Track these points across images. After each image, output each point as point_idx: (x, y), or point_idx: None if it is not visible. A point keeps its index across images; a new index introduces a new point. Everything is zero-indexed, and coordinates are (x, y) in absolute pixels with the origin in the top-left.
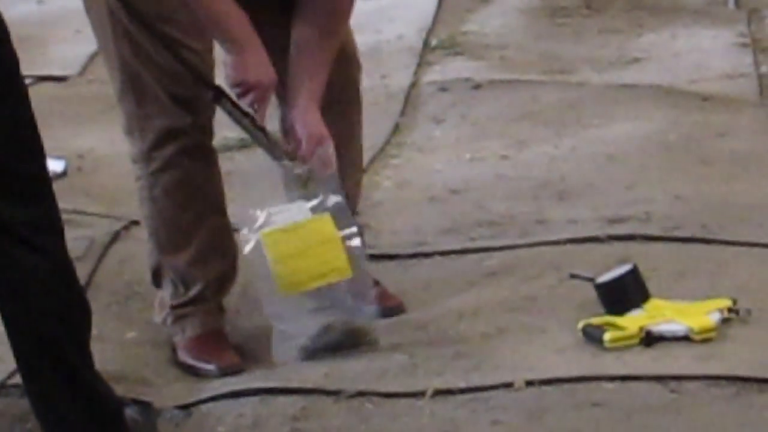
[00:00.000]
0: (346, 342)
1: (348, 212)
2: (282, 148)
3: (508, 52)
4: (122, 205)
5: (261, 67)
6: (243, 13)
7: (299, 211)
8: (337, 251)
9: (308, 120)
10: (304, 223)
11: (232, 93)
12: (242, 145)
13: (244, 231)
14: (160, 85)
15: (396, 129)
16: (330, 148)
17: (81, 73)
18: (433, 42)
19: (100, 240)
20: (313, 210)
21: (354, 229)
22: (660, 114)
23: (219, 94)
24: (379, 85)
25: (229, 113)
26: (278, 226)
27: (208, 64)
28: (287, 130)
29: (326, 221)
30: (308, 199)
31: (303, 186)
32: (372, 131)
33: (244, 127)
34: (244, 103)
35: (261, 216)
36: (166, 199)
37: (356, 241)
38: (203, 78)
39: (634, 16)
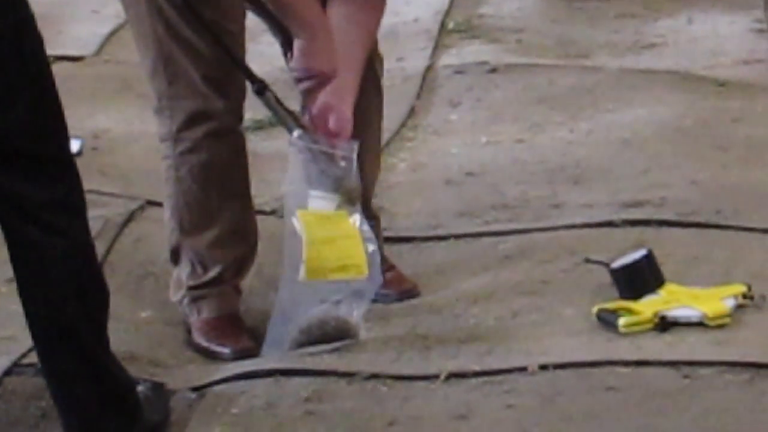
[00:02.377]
0: (334, 337)
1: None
2: (321, 147)
3: (524, 36)
4: (137, 185)
5: (327, 55)
6: (316, 1)
7: (330, 202)
8: (358, 248)
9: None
10: (333, 214)
11: (291, 74)
12: (258, 127)
13: (292, 203)
14: (193, 66)
15: (412, 112)
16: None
17: (97, 53)
18: (450, 25)
19: (115, 220)
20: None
21: (371, 236)
22: (676, 99)
23: (263, 88)
24: (395, 67)
25: (272, 108)
26: (314, 209)
27: (242, 46)
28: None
29: (346, 219)
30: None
31: (334, 190)
32: (388, 114)
33: (285, 124)
34: (302, 87)
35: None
36: (191, 181)
37: (372, 247)
38: (248, 69)
39: (650, 0)
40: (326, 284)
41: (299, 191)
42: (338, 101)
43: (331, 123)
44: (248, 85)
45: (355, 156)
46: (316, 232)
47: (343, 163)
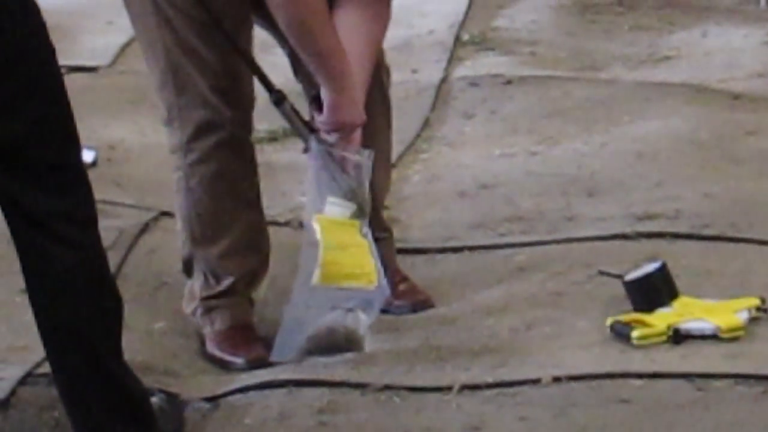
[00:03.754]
0: (341, 347)
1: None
2: (337, 159)
3: (539, 48)
4: (152, 196)
5: (354, 107)
6: (345, 50)
7: (347, 209)
8: (368, 258)
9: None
10: (346, 222)
11: (320, 126)
12: (272, 138)
13: (311, 208)
14: (201, 77)
15: (426, 123)
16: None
17: (112, 64)
18: (465, 37)
19: (130, 231)
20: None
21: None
22: (690, 112)
23: (281, 98)
24: (409, 79)
25: (288, 118)
26: (330, 215)
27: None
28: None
29: (356, 229)
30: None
31: (349, 198)
32: (402, 125)
33: (302, 135)
34: (332, 138)
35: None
36: (202, 191)
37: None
38: (266, 79)
39: (665, 13)
40: (338, 291)
41: (317, 197)
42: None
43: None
44: (258, 95)
45: (369, 163)
46: (333, 237)
47: (355, 173)
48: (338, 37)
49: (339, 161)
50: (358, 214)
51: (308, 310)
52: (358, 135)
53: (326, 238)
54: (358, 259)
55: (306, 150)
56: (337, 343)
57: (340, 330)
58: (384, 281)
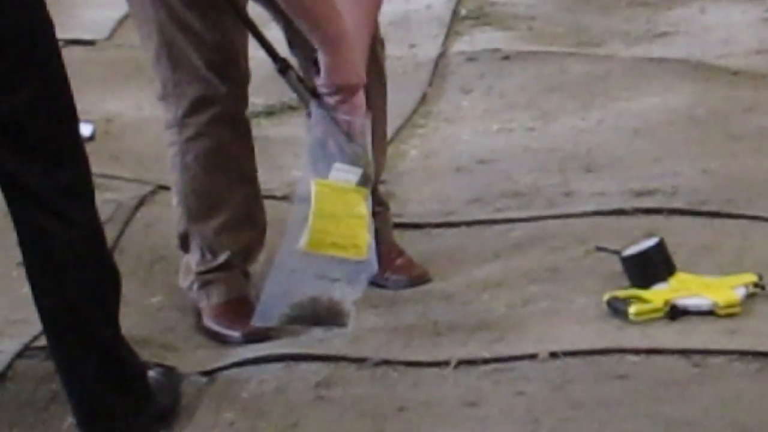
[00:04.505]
0: (324, 319)
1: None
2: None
3: (536, 24)
4: (149, 170)
5: (353, 67)
6: (339, 11)
7: (354, 175)
8: (363, 229)
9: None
10: (349, 188)
11: (320, 90)
12: (269, 112)
13: (310, 175)
14: (196, 52)
15: (423, 99)
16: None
17: (109, 38)
18: (462, 12)
19: (127, 204)
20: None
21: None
22: (688, 88)
23: (285, 67)
24: (407, 54)
25: (294, 86)
26: (333, 180)
27: (244, 33)
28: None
29: (362, 197)
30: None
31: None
32: (399, 100)
33: (307, 102)
34: (331, 101)
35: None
36: (197, 167)
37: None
38: (271, 48)
39: None
40: (323, 259)
41: (319, 162)
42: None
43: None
44: (255, 70)
45: (369, 130)
46: (327, 205)
47: (360, 138)
48: (333, 1)
49: (344, 126)
50: (364, 180)
51: (292, 274)
52: (362, 99)
53: (319, 205)
54: (350, 230)
55: (279, 70)
56: (319, 313)
57: (324, 300)
58: (374, 257)
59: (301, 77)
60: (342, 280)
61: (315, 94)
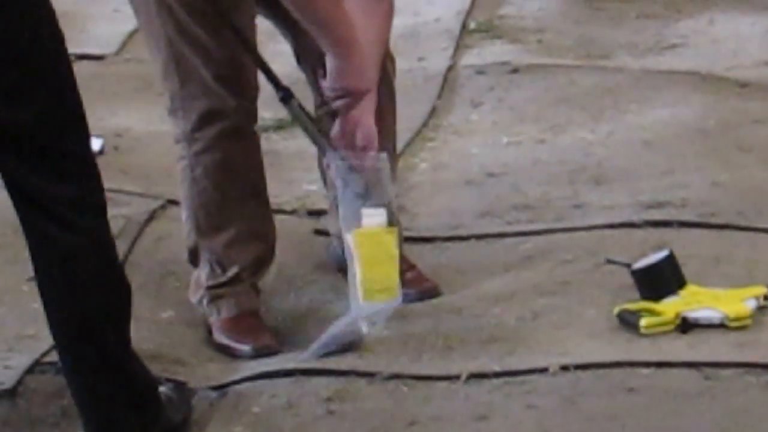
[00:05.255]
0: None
1: None
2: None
3: (545, 36)
4: (159, 185)
5: (362, 72)
6: (350, 16)
7: (381, 217)
8: (396, 272)
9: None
10: (381, 231)
11: (327, 93)
12: (279, 126)
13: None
14: (205, 66)
15: (433, 112)
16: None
17: (118, 52)
18: (471, 25)
19: (137, 219)
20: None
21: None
22: (697, 100)
23: (288, 96)
24: (416, 67)
25: (296, 116)
26: (368, 226)
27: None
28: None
29: (394, 237)
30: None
31: (362, 197)
32: (409, 113)
33: (309, 132)
34: (336, 105)
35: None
36: (206, 181)
37: None
38: (274, 77)
39: (671, 1)
40: (368, 306)
41: (350, 213)
42: (361, 113)
43: (359, 138)
44: (263, 84)
45: (387, 167)
46: (368, 252)
47: (374, 176)
48: (343, 6)
49: (358, 168)
50: (390, 217)
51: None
52: (371, 105)
53: (363, 254)
54: (388, 273)
55: (282, 99)
56: (343, 344)
57: (350, 336)
58: (401, 291)
59: (302, 106)
60: (373, 317)
61: (319, 126)
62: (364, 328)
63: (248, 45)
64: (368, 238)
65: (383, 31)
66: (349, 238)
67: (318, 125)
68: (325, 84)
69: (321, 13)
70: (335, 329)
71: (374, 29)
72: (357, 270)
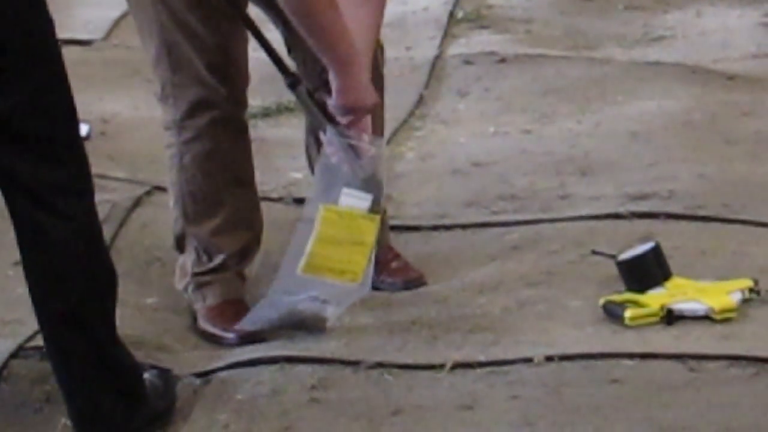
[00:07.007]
0: (304, 326)
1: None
2: (352, 141)
3: (533, 27)
4: (145, 171)
5: (364, 90)
6: (351, 33)
7: (364, 201)
8: (363, 257)
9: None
10: (358, 215)
11: (332, 110)
12: (265, 113)
13: (320, 198)
14: (197, 55)
15: (420, 101)
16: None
17: (106, 38)
18: (459, 15)
19: (122, 204)
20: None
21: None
22: (684, 92)
23: (295, 82)
24: (403, 56)
25: (303, 101)
26: (341, 206)
27: (245, 38)
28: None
29: (374, 225)
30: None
31: (366, 189)
32: (396, 103)
33: (316, 118)
34: (343, 121)
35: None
36: (194, 169)
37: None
38: (281, 62)
39: None
40: (317, 282)
41: (330, 186)
42: (366, 126)
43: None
44: (252, 72)
45: (383, 152)
46: (330, 230)
47: (370, 163)
48: (344, 21)
49: (356, 151)
50: (375, 206)
51: (286, 294)
52: (368, 123)
53: (323, 230)
54: (350, 256)
55: (289, 85)
56: (302, 320)
57: (308, 315)
58: (369, 281)
59: (311, 92)
60: (331, 301)
61: (325, 112)
62: (325, 312)
63: (257, 32)
64: (340, 217)
65: (376, 18)
66: (315, 210)
67: (324, 111)
68: (331, 102)
69: (325, 30)
70: (267, 300)
71: (368, 17)
72: (309, 240)
